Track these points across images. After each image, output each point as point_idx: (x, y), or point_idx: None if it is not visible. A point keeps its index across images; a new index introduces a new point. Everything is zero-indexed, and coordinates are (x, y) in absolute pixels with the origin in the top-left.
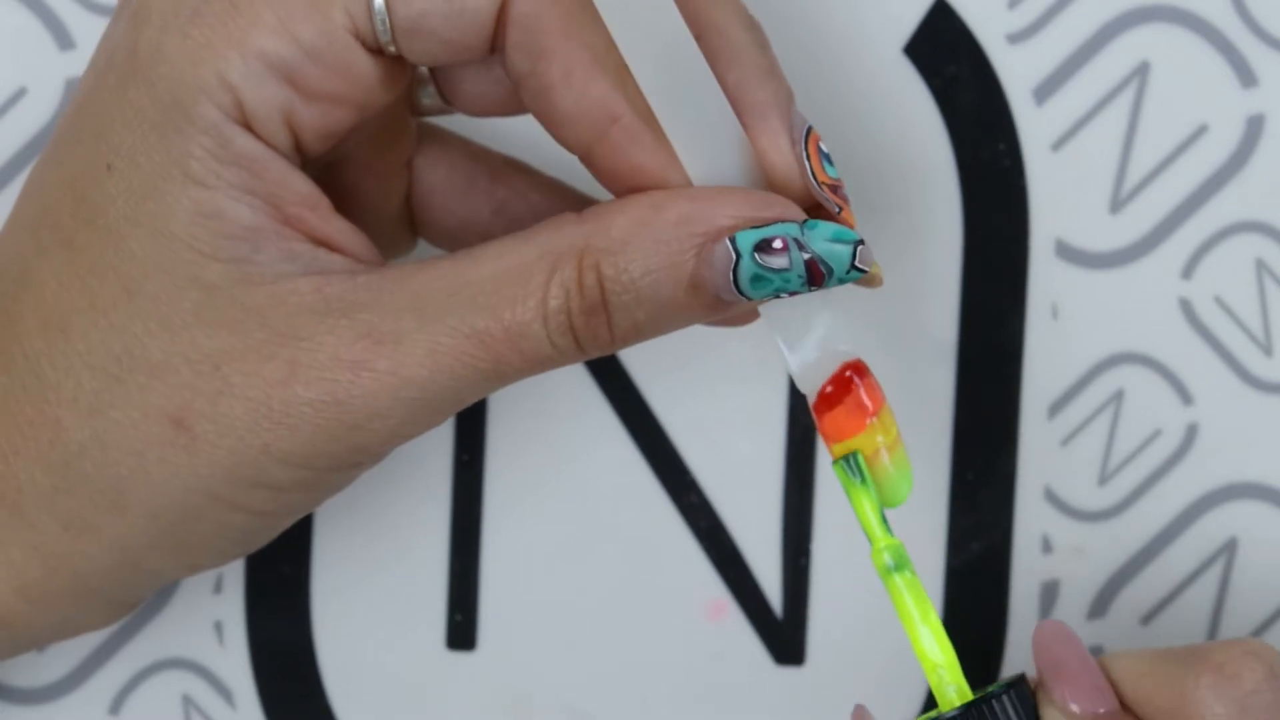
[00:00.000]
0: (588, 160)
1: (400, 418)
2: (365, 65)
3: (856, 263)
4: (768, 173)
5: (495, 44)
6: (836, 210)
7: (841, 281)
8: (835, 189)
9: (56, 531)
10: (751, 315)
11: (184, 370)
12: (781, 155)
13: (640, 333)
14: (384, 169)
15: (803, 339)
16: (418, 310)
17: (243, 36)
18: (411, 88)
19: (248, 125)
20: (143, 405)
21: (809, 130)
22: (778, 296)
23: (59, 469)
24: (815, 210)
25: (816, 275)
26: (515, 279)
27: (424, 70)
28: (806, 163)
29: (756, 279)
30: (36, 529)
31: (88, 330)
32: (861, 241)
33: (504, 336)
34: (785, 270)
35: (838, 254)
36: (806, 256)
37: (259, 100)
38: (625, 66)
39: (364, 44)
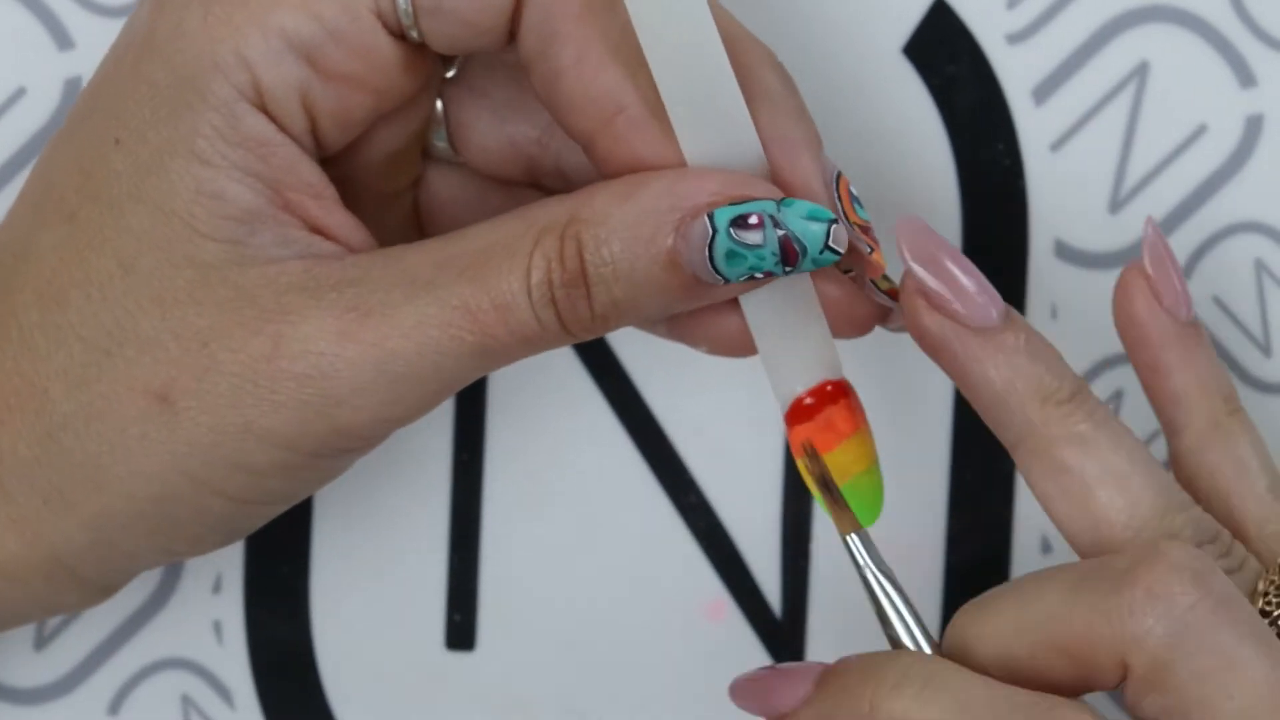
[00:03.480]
0: (590, 149)
1: (384, 396)
2: (386, 48)
3: (830, 242)
4: None
5: (515, 26)
6: (868, 251)
7: (816, 263)
8: (865, 230)
9: (36, 505)
10: (751, 345)
11: (172, 346)
12: (811, 191)
13: (620, 310)
14: (389, 186)
15: (791, 368)
16: (406, 284)
17: (264, 14)
18: (426, 126)
19: (262, 105)
20: (128, 379)
21: (838, 175)
22: (753, 278)
23: (42, 441)
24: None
25: (790, 254)
26: (501, 251)
27: (439, 113)
28: (838, 204)
29: (731, 255)
30: (16, 502)
31: (82, 303)
32: (835, 221)
33: (490, 308)
34: (759, 247)
35: (812, 232)
36: (781, 234)
37: (276, 79)
38: (639, 57)
39: (386, 26)
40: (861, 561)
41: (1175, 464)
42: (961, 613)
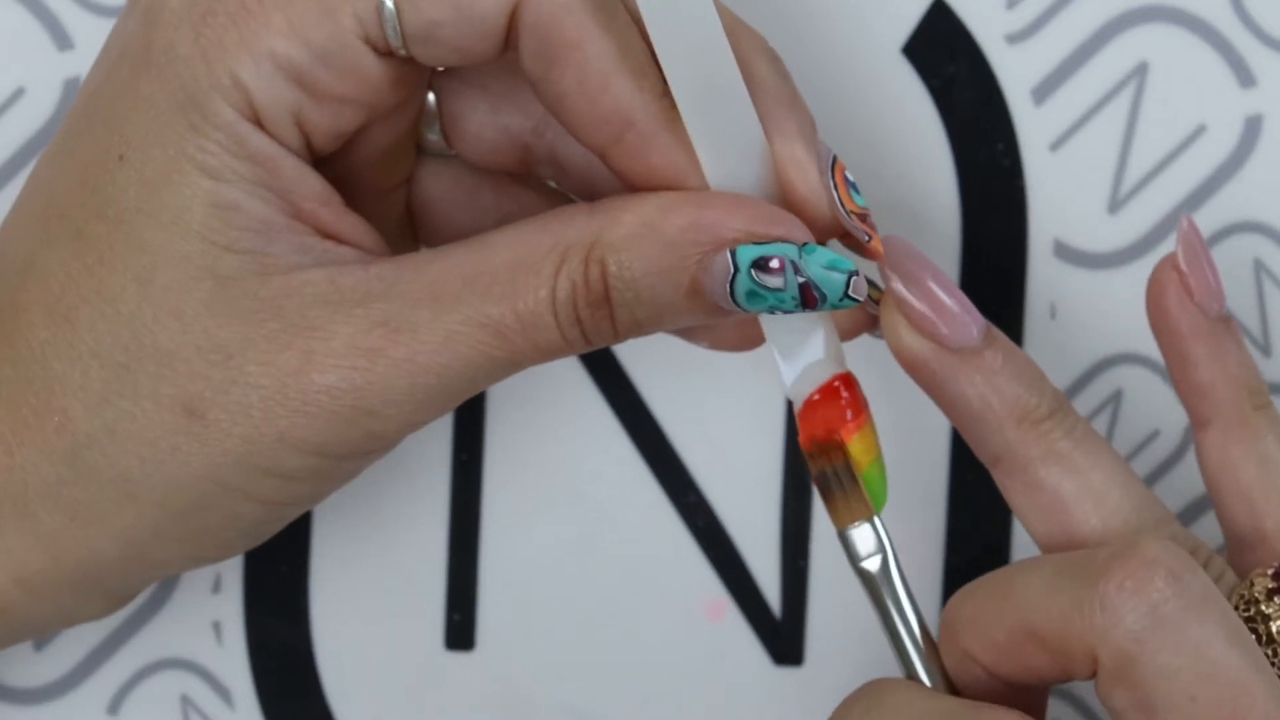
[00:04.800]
0: (604, 160)
1: (416, 404)
2: (375, 68)
3: (850, 292)
4: (794, 200)
5: (509, 45)
6: (865, 239)
7: (835, 307)
8: (863, 218)
9: (63, 522)
10: (753, 341)
11: (195, 360)
12: (808, 182)
13: (640, 328)
14: (382, 183)
15: (798, 352)
16: (433, 299)
17: (254, 38)
18: (418, 121)
19: (259, 124)
20: (154, 394)
21: (834, 160)
22: (772, 312)
23: (66, 459)
24: (844, 238)
25: (810, 299)
26: (527, 268)
27: (432, 104)
28: (834, 191)
29: (751, 294)
30: (40, 520)
31: (95, 320)
32: (856, 272)
33: (518, 326)
34: (780, 290)
35: (832, 281)
36: (801, 280)
37: (270, 101)
38: (646, 68)
39: (374, 47)
40: (874, 548)
41: (1200, 457)
42: (954, 598)
